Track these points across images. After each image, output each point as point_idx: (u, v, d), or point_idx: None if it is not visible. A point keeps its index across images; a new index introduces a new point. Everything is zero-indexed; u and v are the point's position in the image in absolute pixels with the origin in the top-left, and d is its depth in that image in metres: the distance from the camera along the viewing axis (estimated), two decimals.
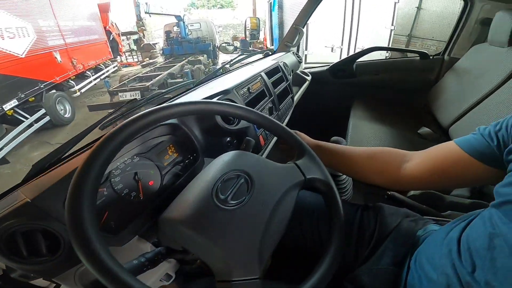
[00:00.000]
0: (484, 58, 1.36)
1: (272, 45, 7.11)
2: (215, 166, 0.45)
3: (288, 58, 1.59)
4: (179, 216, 0.39)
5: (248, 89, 0.84)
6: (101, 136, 0.62)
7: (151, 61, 9.45)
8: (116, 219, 0.45)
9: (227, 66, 1.54)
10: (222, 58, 9.03)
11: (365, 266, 0.56)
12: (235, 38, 12.00)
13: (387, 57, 4.50)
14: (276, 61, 1.23)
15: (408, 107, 1.79)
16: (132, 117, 0.39)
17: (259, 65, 1.19)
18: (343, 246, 0.45)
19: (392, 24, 4.67)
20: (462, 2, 1.68)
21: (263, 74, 0.99)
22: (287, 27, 5.92)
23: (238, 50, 2.16)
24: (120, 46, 9.66)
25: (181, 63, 6.41)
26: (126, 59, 10.91)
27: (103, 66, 7.48)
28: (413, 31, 5.86)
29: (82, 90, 5.93)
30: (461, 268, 0.41)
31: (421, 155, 0.56)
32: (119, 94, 4.44)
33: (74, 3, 6.17)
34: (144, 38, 9.62)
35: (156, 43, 10.84)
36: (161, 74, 5.31)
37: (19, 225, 0.37)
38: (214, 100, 0.71)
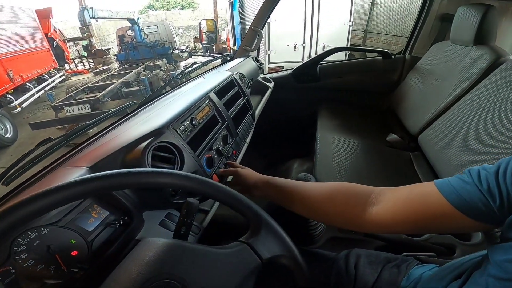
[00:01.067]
0: (447, 58, 1.33)
1: (235, 45, 6.96)
2: (136, 268, 0.34)
3: (246, 66, 1.43)
4: None
5: (191, 120, 0.65)
6: (9, 193, 0.54)
7: (105, 67, 8.74)
8: None
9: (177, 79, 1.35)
10: (184, 61, 8.68)
11: None
12: (196, 39, 11.61)
13: (349, 58, 4.61)
14: (230, 73, 1.06)
15: (373, 110, 1.75)
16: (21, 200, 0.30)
17: (211, 79, 1.01)
18: None
19: (350, 20, 4.76)
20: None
21: (212, 94, 0.81)
22: (248, 26, 5.82)
23: (194, 54, 1.99)
24: (66, 53, 8.79)
25: (137, 69, 5.92)
26: (76, 67, 9.99)
27: (47, 76, 6.72)
28: (368, 26, 6.09)
29: (24, 105, 5.24)
30: None
31: (391, 197, 0.45)
32: (64, 108, 3.92)
33: (3, 10, 5.49)
34: (92, 44, 8.89)
35: (110, 48, 10.09)
36: (114, 83, 4.82)
37: None
38: (145, 143, 0.53)
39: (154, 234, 0.54)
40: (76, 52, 10.57)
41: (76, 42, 10.46)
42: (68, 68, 9.27)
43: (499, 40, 1.25)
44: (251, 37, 1.58)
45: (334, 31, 4.76)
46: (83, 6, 5.50)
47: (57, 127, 4.23)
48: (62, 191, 0.31)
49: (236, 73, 1.08)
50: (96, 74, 7.91)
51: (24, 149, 4.59)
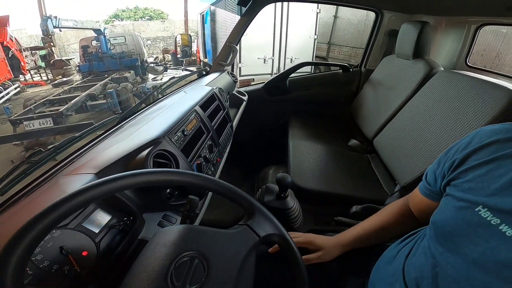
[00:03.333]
0: (393, 70, 1.55)
1: (206, 57, 7.03)
2: (164, 249, 0.41)
3: (223, 80, 1.54)
4: None
5: (183, 131, 0.75)
6: (4, 203, 0.57)
7: (65, 79, 8.21)
8: None
9: (155, 93, 1.40)
10: (152, 73, 8.50)
11: None
12: (165, 51, 11.47)
13: (314, 70, 4.92)
14: (210, 88, 1.16)
15: (337, 119, 1.96)
16: (65, 196, 0.35)
17: (192, 94, 1.10)
18: None
19: (315, 34, 5.12)
20: (372, 15, 1.84)
21: (197, 108, 0.91)
22: (220, 39, 5.93)
23: (168, 67, 2.04)
24: (22, 63, 8.15)
25: (103, 81, 5.70)
26: (32, 78, 9.27)
27: (1, 88, 6.18)
28: (331, 39, 6.57)
29: None
30: None
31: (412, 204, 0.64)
32: (24, 123, 3.66)
33: None
34: (53, 54, 8.38)
35: (71, 59, 9.53)
36: (78, 95, 4.60)
37: None
38: (147, 151, 0.61)
39: (153, 231, 0.59)
40: (33, 62, 9.82)
41: (33, 51, 9.74)
42: (23, 79, 8.57)
43: (434, 53, 1.49)
44: (226, 52, 1.68)
45: (301, 44, 5.08)
46: (46, 15, 5.23)
47: (14, 142, 3.92)
48: (94, 189, 0.37)
49: (216, 88, 1.19)
50: (55, 86, 7.39)
51: None
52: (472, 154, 0.44)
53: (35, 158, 0.76)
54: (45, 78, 9.43)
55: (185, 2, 11.64)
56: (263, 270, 0.64)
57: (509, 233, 0.36)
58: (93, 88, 5.09)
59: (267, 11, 4.46)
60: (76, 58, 9.97)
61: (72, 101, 4.21)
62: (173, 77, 1.54)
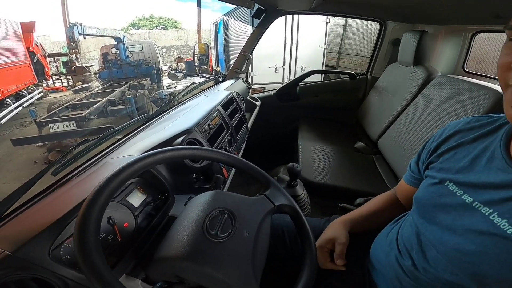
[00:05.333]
0: (396, 77, 1.66)
1: (218, 66, 7.27)
2: (199, 207, 0.51)
3: (238, 86, 1.69)
4: (178, 253, 0.43)
5: (209, 125, 0.89)
6: (57, 182, 0.66)
7: (84, 85, 8.64)
8: None
9: (180, 96, 1.55)
10: (166, 81, 8.82)
11: (335, 272, 0.66)
12: (179, 59, 11.88)
13: (324, 78, 5.04)
14: (229, 91, 1.31)
15: (344, 124, 2.07)
16: (135, 159, 0.47)
17: (213, 96, 1.25)
18: (316, 257, 0.54)
19: (325, 43, 5.24)
20: (378, 24, 1.94)
21: (219, 107, 1.06)
22: (232, 48, 6.15)
23: (189, 75, 2.21)
24: (46, 69, 8.63)
25: (122, 88, 6.00)
26: (54, 84, 9.77)
27: (25, 92, 6.58)
28: (341, 48, 6.65)
29: (2, 121, 5.14)
30: (403, 262, 0.55)
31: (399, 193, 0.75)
32: (49, 125, 3.93)
33: None
34: (77, 60, 8.85)
35: (91, 66, 10.02)
36: (99, 101, 4.89)
37: (8, 276, 0.40)
38: (182, 138, 0.75)
39: (181, 211, 0.69)
40: (55, 68, 10.37)
41: (56, 58, 10.29)
42: (45, 85, 9.06)
43: (436, 60, 1.56)
44: (241, 60, 1.81)
45: (311, 53, 5.18)
46: (73, 22, 5.62)
47: (37, 144, 4.19)
48: (160, 154, 0.50)
49: (234, 92, 1.34)
50: (75, 92, 7.82)
51: (2, 166, 4.42)
52: (443, 142, 0.56)
53: (83, 146, 0.91)
54: (65, 84, 9.89)
55: (199, 12, 12.11)
56: (277, 246, 0.75)
57: (468, 200, 0.46)
58: (113, 94, 5.39)
59: (278, 21, 4.62)
60: (95, 65, 10.47)
61: (94, 106, 4.49)
62: (194, 83, 1.70)
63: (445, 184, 0.51)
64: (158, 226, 0.60)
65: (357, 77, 2.10)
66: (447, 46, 1.49)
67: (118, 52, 7.82)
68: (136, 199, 0.60)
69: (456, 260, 0.46)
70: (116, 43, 7.67)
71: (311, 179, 1.25)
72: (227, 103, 1.18)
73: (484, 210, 0.44)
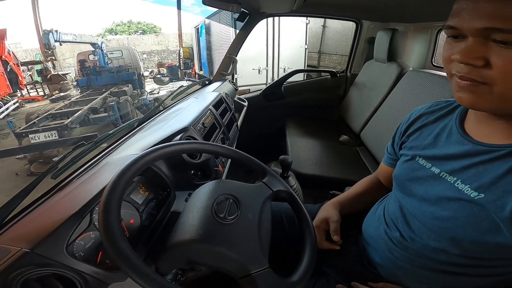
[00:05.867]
0: (373, 73, 1.77)
1: (201, 70, 7.27)
2: (205, 195, 0.55)
3: (226, 87, 1.74)
4: (193, 236, 0.46)
5: (203, 124, 0.94)
6: (56, 186, 0.67)
7: (62, 94, 8.31)
8: (111, 259, 0.50)
9: (169, 99, 1.58)
10: (148, 87, 8.68)
11: (334, 251, 0.72)
12: (160, 65, 11.70)
13: (307, 77, 5.17)
14: (218, 93, 1.36)
15: (328, 119, 2.17)
16: (147, 150, 0.53)
17: (203, 98, 1.30)
18: (315, 235, 0.59)
19: (306, 43, 5.40)
20: (355, 24, 2.01)
21: (211, 107, 1.10)
22: (215, 51, 6.16)
23: (175, 79, 2.23)
24: (20, 78, 8.24)
25: (103, 95, 5.87)
26: (29, 93, 9.35)
27: (1, 103, 6.27)
28: (321, 48, 6.84)
29: None
30: (391, 233, 0.61)
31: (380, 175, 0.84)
32: (29, 135, 3.79)
33: None
34: (54, 68, 8.50)
35: (67, 74, 9.66)
36: (80, 109, 4.76)
37: (29, 273, 0.41)
38: (180, 136, 0.79)
39: (183, 206, 0.70)
40: (29, 77, 9.91)
41: (30, 66, 9.85)
42: (20, 94, 8.65)
43: (407, 55, 1.66)
44: (227, 63, 1.85)
45: (292, 54, 5.32)
46: (48, 29, 5.44)
47: (17, 156, 4.02)
48: (172, 146, 0.56)
49: (223, 92, 1.39)
50: (52, 101, 7.50)
51: None
52: (411, 124, 0.65)
53: (80, 149, 0.92)
54: (41, 93, 9.48)
55: (179, 16, 12.03)
56: (276, 231, 0.81)
57: (436, 171, 0.54)
58: (94, 101, 5.26)
59: (260, 24, 4.70)
60: (72, 73, 10.11)
61: (76, 114, 4.37)
62: (182, 86, 1.73)
63: (416, 160, 0.59)
64: (162, 221, 0.63)
65: (338, 75, 2.21)
66: (417, 43, 1.60)
67: (96, 58, 7.67)
68: (139, 196, 0.63)
69: (435, 227, 0.51)
70: (93, 49, 7.50)
71: (302, 171, 1.32)
72: (217, 103, 1.23)
73: (449, 179, 0.51)
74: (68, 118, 4.28)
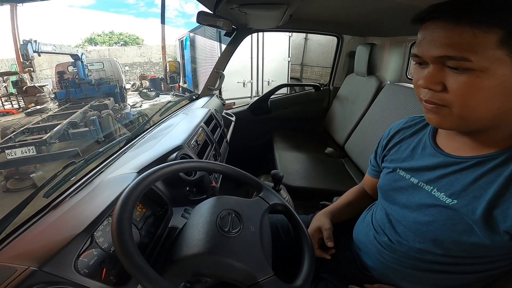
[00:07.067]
0: (354, 87, 1.86)
1: (185, 83, 7.25)
2: (207, 210, 0.57)
3: (214, 103, 1.76)
4: (201, 249, 0.49)
5: (196, 141, 0.96)
6: (49, 204, 0.68)
7: (38, 107, 7.91)
8: (115, 274, 0.51)
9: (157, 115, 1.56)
10: (131, 100, 8.50)
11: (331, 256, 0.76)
12: (143, 77, 11.56)
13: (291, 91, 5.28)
14: (208, 109, 1.39)
15: (313, 132, 2.25)
16: (159, 166, 0.56)
17: (193, 114, 1.32)
18: (311, 242, 0.63)
19: (289, 56, 5.56)
20: (336, 38, 2.10)
21: (203, 124, 1.13)
22: (200, 64, 6.19)
23: (162, 93, 2.23)
24: None
25: (83, 109, 5.64)
26: (3, 106, 8.87)
27: None
28: (304, 60, 7.01)
29: None
30: (380, 238, 0.66)
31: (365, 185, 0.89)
32: (5, 151, 3.59)
33: None
34: (32, 80, 8.13)
35: (44, 86, 9.26)
36: (59, 123, 4.56)
37: None
38: (175, 154, 0.81)
39: (180, 222, 0.71)
40: (4, 89, 9.41)
41: (5, 77, 9.37)
42: None
43: (385, 69, 1.73)
44: (214, 77, 1.87)
45: (276, 66, 5.46)
46: (27, 39, 5.24)
47: None
48: (175, 165, 0.58)
49: (212, 109, 1.42)
50: (28, 114, 7.15)
51: None
52: (390, 139, 0.72)
53: (71, 168, 0.90)
54: (16, 106, 9.04)
55: (163, 29, 12.04)
56: (274, 241, 0.84)
57: (415, 182, 0.60)
58: (73, 116, 5.06)
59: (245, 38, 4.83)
60: (49, 85, 9.71)
61: (55, 129, 4.18)
62: (170, 101, 1.74)
63: (397, 172, 0.65)
64: (161, 237, 0.64)
65: (321, 88, 2.30)
66: (393, 56, 1.68)
67: (75, 70, 7.39)
68: (137, 214, 0.65)
69: (418, 230, 0.57)
70: (73, 60, 7.23)
71: (292, 184, 1.36)
72: (208, 119, 1.26)
73: (427, 188, 0.57)
74: (46, 132, 4.09)
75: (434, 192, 0.55)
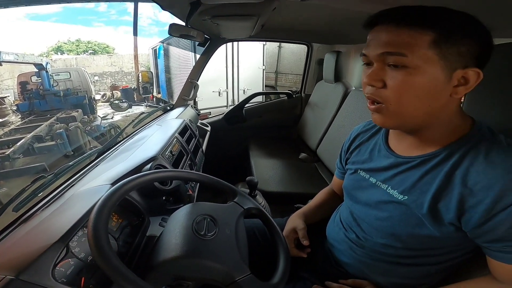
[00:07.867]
0: (323, 93, 1.96)
1: (159, 93, 7.09)
2: (183, 216, 0.59)
3: (189, 113, 1.77)
4: (179, 253, 0.50)
5: (171, 152, 0.97)
6: (19, 218, 0.67)
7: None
8: (94, 283, 0.51)
9: (130, 127, 1.53)
10: (101, 111, 8.14)
11: (306, 256, 0.80)
12: (114, 87, 11.11)
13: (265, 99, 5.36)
14: (182, 119, 1.40)
15: (287, 139, 2.32)
16: (134, 176, 0.58)
17: (167, 125, 1.32)
18: (286, 243, 0.66)
19: (263, 64, 5.64)
20: (306, 46, 2.18)
21: (177, 135, 1.14)
22: (174, 73, 6.09)
23: (134, 104, 2.19)
24: None
25: (49, 121, 5.35)
26: None
27: None
28: (278, 68, 7.17)
29: None
30: (349, 235, 0.72)
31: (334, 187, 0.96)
32: None
33: None
34: None
35: (5, 97, 8.58)
36: (23, 137, 4.28)
37: None
38: (149, 165, 0.82)
39: (157, 230, 0.70)
40: None
41: None
42: None
43: (351, 75, 1.81)
44: (189, 88, 1.88)
45: (251, 75, 5.50)
46: None
47: None
48: (149, 175, 0.60)
49: (187, 119, 1.43)
50: None
51: None
52: (351, 143, 0.79)
53: (40, 182, 0.86)
54: None
55: (135, 37, 11.79)
56: (251, 244, 0.87)
57: (373, 181, 0.66)
58: (38, 129, 4.75)
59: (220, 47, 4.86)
60: (11, 96, 9.04)
61: (18, 143, 3.90)
62: (143, 113, 1.71)
63: (358, 172, 0.72)
64: (139, 246, 0.65)
65: (294, 96, 2.39)
66: (357, 63, 1.76)
67: (40, 80, 6.94)
68: (113, 224, 0.64)
69: (379, 226, 0.62)
70: (37, 70, 6.77)
71: (268, 189, 1.41)
72: (182, 130, 1.27)
73: (383, 186, 0.63)
74: (9, 147, 3.81)
75: (389, 190, 0.60)
